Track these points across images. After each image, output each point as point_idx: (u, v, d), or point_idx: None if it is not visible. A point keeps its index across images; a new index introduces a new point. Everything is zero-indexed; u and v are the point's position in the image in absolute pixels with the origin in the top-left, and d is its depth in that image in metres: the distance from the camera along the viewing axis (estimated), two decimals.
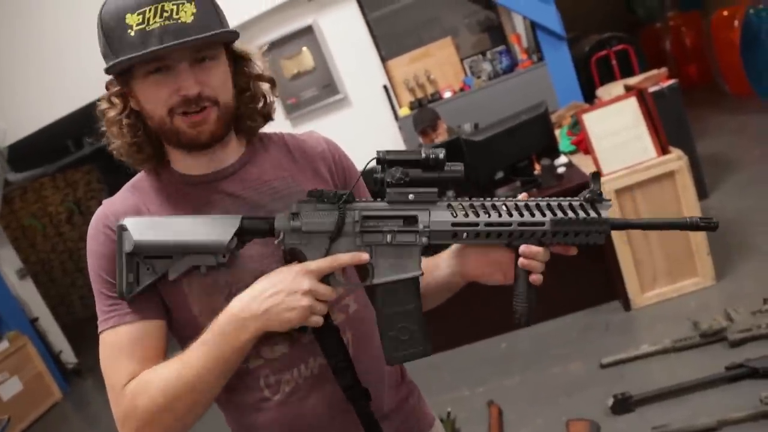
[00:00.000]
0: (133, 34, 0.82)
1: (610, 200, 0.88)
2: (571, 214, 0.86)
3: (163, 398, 0.83)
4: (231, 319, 0.83)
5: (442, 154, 0.85)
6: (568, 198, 0.88)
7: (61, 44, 4.91)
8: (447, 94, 4.63)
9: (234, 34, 0.89)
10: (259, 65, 0.97)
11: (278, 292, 0.82)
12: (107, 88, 0.92)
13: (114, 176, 8.03)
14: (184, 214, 0.92)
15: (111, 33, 0.85)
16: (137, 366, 0.87)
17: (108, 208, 0.94)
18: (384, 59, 4.76)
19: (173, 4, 0.82)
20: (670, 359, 2.52)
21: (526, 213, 0.86)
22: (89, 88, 4.93)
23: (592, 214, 0.87)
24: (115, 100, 0.92)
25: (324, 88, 4.71)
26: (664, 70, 3.90)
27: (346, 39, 4.64)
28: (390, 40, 4.82)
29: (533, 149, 3.14)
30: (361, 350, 0.97)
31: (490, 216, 0.86)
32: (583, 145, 3.41)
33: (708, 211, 3.11)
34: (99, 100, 0.95)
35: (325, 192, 0.86)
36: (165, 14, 0.82)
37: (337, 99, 4.74)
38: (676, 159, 2.82)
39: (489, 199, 0.88)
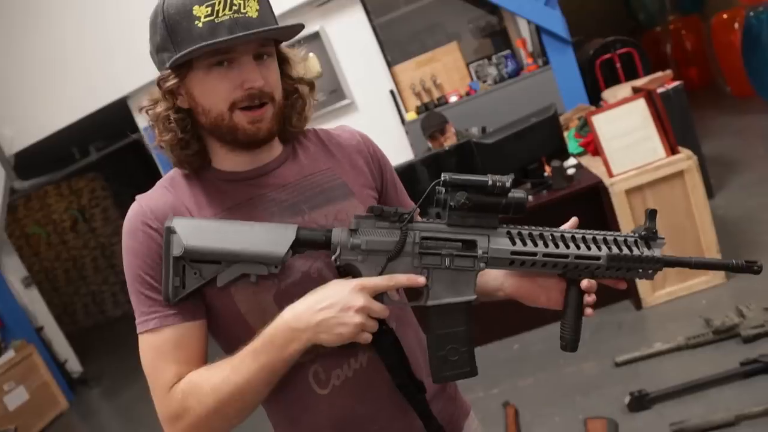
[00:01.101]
0: (201, 25, 0.83)
1: (663, 238, 0.91)
2: (626, 250, 0.90)
3: (213, 402, 0.84)
4: (282, 328, 0.83)
5: (509, 182, 0.85)
6: (624, 234, 0.91)
7: (67, 54, 4.95)
8: (453, 99, 4.67)
9: (300, 27, 0.90)
10: (301, 68, 0.98)
11: (332, 306, 0.81)
12: (159, 83, 0.90)
13: (118, 184, 8.07)
14: (223, 211, 0.91)
15: (176, 25, 0.84)
16: (183, 368, 0.88)
17: (146, 203, 0.92)
18: (390, 64, 4.79)
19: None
20: (684, 356, 2.54)
21: (583, 246, 0.89)
22: (94, 97, 5.03)
23: (646, 252, 0.90)
24: (168, 97, 0.90)
25: (331, 93, 4.74)
26: (669, 72, 3.94)
27: (353, 45, 4.68)
28: (396, 45, 4.86)
29: (543, 151, 3.17)
30: (402, 333, 0.97)
31: (548, 246, 0.88)
32: (591, 147, 3.45)
33: (716, 210, 3.14)
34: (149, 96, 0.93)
35: (386, 210, 0.85)
36: (234, 7, 0.83)
37: (344, 104, 4.78)
38: (686, 159, 2.86)
39: (547, 228, 0.90)
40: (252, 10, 0.85)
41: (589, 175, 3.14)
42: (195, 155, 0.94)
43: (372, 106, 4.78)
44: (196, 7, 0.83)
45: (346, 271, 0.87)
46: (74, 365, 5.89)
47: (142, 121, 5.18)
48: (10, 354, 4.93)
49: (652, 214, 0.91)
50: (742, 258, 0.93)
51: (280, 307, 0.86)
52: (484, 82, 4.70)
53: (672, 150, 2.89)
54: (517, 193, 0.86)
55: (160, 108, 0.90)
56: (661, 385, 2.36)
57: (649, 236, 0.90)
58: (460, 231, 0.87)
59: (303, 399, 0.94)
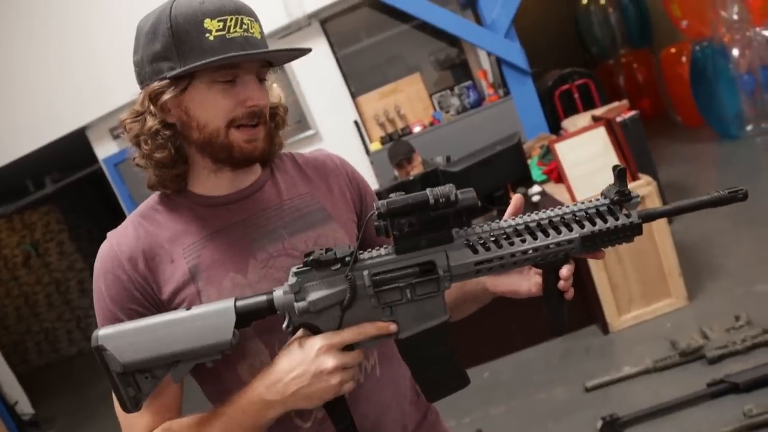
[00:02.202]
0: (212, 39, 0.82)
1: (638, 195, 0.81)
2: (600, 223, 0.81)
3: None
4: (256, 400, 0.81)
5: (453, 194, 0.76)
6: (593, 203, 0.82)
7: (25, 82, 4.83)
8: (417, 129, 4.73)
9: (308, 51, 0.89)
10: (277, 91, 0.98)
11: (303, 374, 0.78)
12: (151, 95, 0.85)
13: (75, 216, 7.83)
14: (201, 239, 0.89)
15: (185, 35, 0.82)
16: (156, 417, 0.86)
17: (116, 243, 0.89)
18: (354, 95, 4.84)
19: (248, 20, 0.85)
20: (653, 379, 2.57)
21: (552, 232, 0.80)
22: (54, 126, 4.90)
23: (621, 219, 0.81)
24: (159, 111, 0.86)
25: (296, 123, 4.74)
26: (625, 102, 4.09)
27: (317, 75, 4.71)
28: (359, 76, 4.91)
29: (508, 179, 3.22)
30: (384, 367, 0.96)
31: (514, 244, 0.80)
32: (554, 174, 3.52)
33: (675, 235, 3.23)
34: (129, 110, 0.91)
35: (323, 258, 0.77)
36: (243, 26, 0.84)
37: (309, 134, 4.79)
38: (646, 185, 2.94)
39: (510, 221, 0.81)
40: (256, 32, 0.86)
41: (554, 201, 3.20)
42: (178, 176, 0.91)
43: (336, 136, 4.80)
44: (207, 20, 0.82)
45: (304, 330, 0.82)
46: (25, 407, 5.60)
47: (101, 151, 5.08)
48: None
49: (621, 173, 0.79)
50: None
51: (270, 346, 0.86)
52: (447, 112, 4.78)
53: (633, 176, 2.98)
54: (466, 197, 0.76)
55: (150, 122, 0.87)
56: (632, 408, 2.37)
57: (622, 199, 0.80)
58: (413, 255, 0.79)
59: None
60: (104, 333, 0.79)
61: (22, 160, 4.99)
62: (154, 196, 0.96)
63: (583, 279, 3.00)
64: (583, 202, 0.82)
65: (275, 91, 0.97)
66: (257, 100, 0.86)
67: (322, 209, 0.96)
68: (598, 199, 0.83)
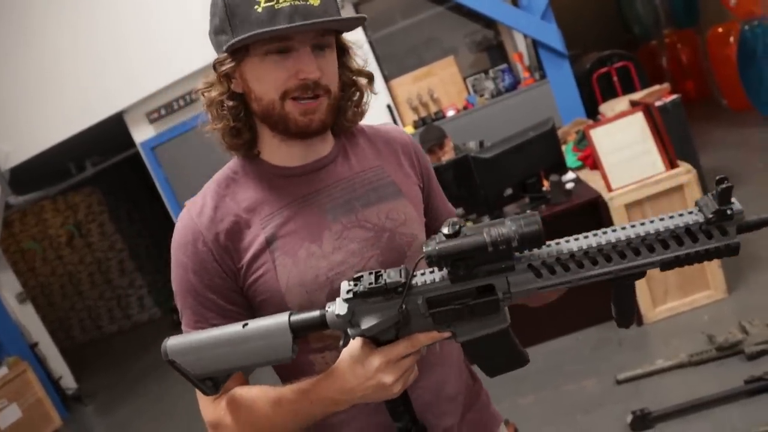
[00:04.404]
0: (260, 10, 0.81)
1: (741, 210, 0.70)
2: (687, 244, 0.71)
3: (248, 427, 0.88)
4: (324, 396, 0.83)
5: (515, 239, 0.69)
6: (686, 216, 0.71)
7: (62, 69, 4.95)
8: (450, 113, 4.66)
9: (363, 19, 0.88)
10: (359, 59, 0.97)
11: (366, 387, 0.80)
12: (214, 66, 0.89)
13: (115, 198, 8.04)
14: (279, 209, 0.91)
15: (236, 8, 0.82)
16: (229, 381, 0.89)
17: (197, 217, 0.90)
18: (387, 78, 4.79)
19: None
20: (687, 373, 2.50)
21: (630, 254, 0.72)
22: (90, 112, 5.02)
23: (716, 238, 0.70)
24: (224, 81, 0.89)
25: None
26: (666, 85, 3.93)
27: None
28: (392, 59, 4.86)
29: (541, 166, 3.15)
30: (444, 344, 0.95)
31: (583, 267, 0.72)
32: (589, 161, 3.43)
33: None
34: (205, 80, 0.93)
35: (372, 288, 0.76)
36: None
37: None
38: (685, 173, 2.84)
39: (584, 240, 0.73)
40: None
41: (588, 189, 3.12)
42: (245, 144, 0.93)
43: (369, 120, 4.69)
44: None
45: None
46: (69, 382, 5.83)
47: (138, 135, 5.18)
48: (3, 371, 4.87)
49: (725, 192, 0.67)
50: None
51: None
52: (482, 96, 4.70)
53: (671, 164, 2.87)
54: (529, 229, 0.69)
55: (214, 92, 0.90)
56: (664, 403, 2.32)
57: (720, 219, 0.69)
58: (471, 282, 0.75)
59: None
60: (172, 346, 0.82)
61: (64, 144, 5.14)
62: (231, 164, 0.97)
63: None
64: (673, 216, 0.72)
65: (354, 60, 0.96)
66: (308, 73, 0.84)
67: (393, 183, 0.98)
68: (691, 211, 0.72)
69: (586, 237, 0.74)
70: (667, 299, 2.95)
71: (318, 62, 0.85)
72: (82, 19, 4.84)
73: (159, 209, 5.84)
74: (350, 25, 0.88)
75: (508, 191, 3.11)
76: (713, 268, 2.88)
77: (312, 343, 0.93)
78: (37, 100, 5.06)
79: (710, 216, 0.69)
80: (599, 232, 0.74)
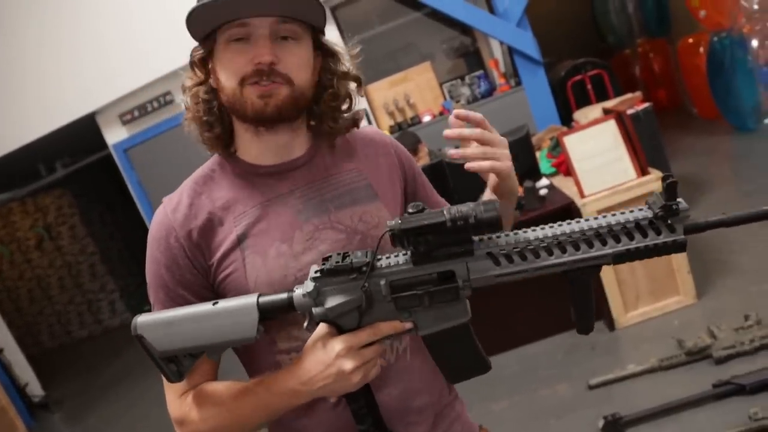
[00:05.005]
0: None
1: (687, 208, 0.74)
2: (638, 238, 0.74)
3: (213, 424, 0.89)
4: (285, 388, 0.84)
5: (472, 216, 0.73)
6: (634, 216, 0.75)
7: (35, 67, 4.84)
8: (426, 118, 4.68)
9: (317, 8, 0.87)
10: (348, 64, 0.97)
11: (326, 374, 0.81)
12: (192, 55, 0.92)
13: (87, 200, 7.88)
14: (252, 207, 0.92)
15: None
16: (196, 377, 0.91)
17: (171, 213, 0.92)
18: (363, 83, 4.78)
19: None
20: (657, 378, 2.54)
21: (583, 246, 0.75)
22: (62, 111, 4.92)
23: (664, 233, 0.74)
24: (198, 71, 0.92)
25: None
26: (638, 93, 4.01)
27: None
28: (369, 64, 4.85)
29: (516, 171, 3.16)
30: (416, 353, 0.97)
31: (539, 257, 0.76)
32: (563, 167, 3.47)
33: None
34: (183, 69, 0.96)
35: (338, 267, 0.78)
36: None
37: None
38: (656, 180, 2.88)
39: (539, 231, 0.76)
40: None
41: (562, 195, 3.15)
42: (218, 139, 0.94)
43: None
44: None
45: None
46: (35, 389, 5.67)
47: (110, 136, 5.09)
48: None
49: (670, 186, 0.72)
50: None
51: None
52: (458, 101, 4.72)
53: (643, 171, 2.92)
54: (487, 216, 0.73)
55: (189, 81, 0.94)
56: (635, 407, 2.34)
57: (667, 214, 0.72)
58: (432, 266, 0.78)
59: (307, 407, 0.93)
60: (141, 322, 0.83)
61: (34, 144, 5.02)
62: (210, 161, 0.99)
63: None
64: (624, 212, 0.76)
65: (341, 64, 0.96)
66: (260, 56, 0.84)
67: (369, 186, 0.98)
68: (641, 209, 0.76)
69: (542, 228, 0.77)
70: (638, 304, 2.99)
71: (277, 50, 0.86)
72: (59, 16, 4.74)
73: (132, 212, 5.74)
74: (300, 9, 0.86)
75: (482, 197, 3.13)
76: (683, 274, 2.93)
77: (279, 344, 0.93)
78: (7, 99, 4.93)
79: (657, 211, 0.73)
80: (555, 224, 0.77)
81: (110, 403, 5.06)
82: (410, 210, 0.76)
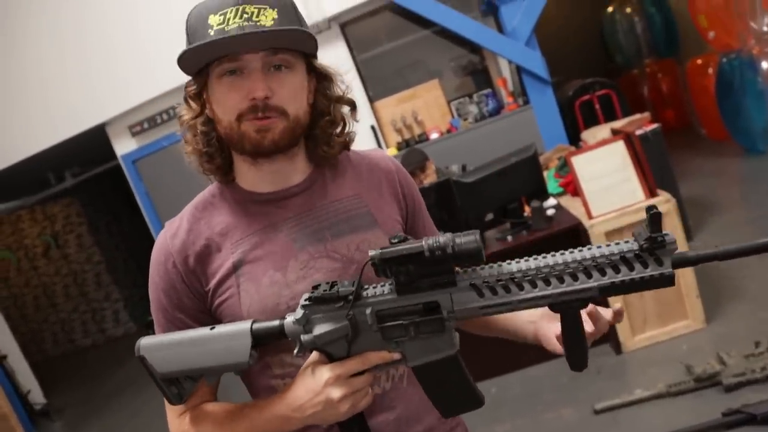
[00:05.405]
0: (212, 33, 0.83)
1: (674, 240, 0.72)
2: (624, 271, 0.73)
3: None
4: (277, 414, 0.85)
5: (450, 246, 0.73)
6: (620, 248, 0.73)
7: (46, 78, 4.90)
8: (434, 136, 4.68)
9: (305, 38, 0.87)
10: (341, 87, 0.96)
11: (316, 402, 0.81)
12: (186, 90, 0.92)
13: (94, 210, 7.92)
14: (248, 235, 0.92)
15: (194, 33, 0.85)
16: (195, 398, 0.92)
17: (170, 239, 0.93)
18: (372, 100, 4.80)
19: (255, 8, 0.83)
20: (665, 404, 2.50)
21: (568, 279, 0.74)
22: (72, 122, 4.96)
23: (651, 266, 0.72)
24: (193, 104, 0.92)
25: None
26: (647, 114, 4.00)
27: None
28: (377, 81, 4.88)
29: (523, 191, 3.16)
30: (412, 380, 0.94)
31: (523, 289, 0.75)
32: (570, 187, 3.45)
33: None
34: (178, 104, 0.97)
35: (325, 296, 0.80)
36: (245, 16, 0.83)
37: None
38: (665, 201, 2.86)
39: (522, 264, 0.76)
40: (267, 20, 0.83)
41: (569, 216, 3.13)
42: (219, 169, 0.95)
43: (354, 141, 4.76)
44: (211, 16, 0.84)
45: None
46: (37, 396, 5.68)
47: (119, 147, 5.12)
48: None
49: (654, 218, 0.69)
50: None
51: None
52: (465, 119, 4.73)
53: (651, 192, 2.90)
54: (466, 246, 0.73)
55: (186, 115, 0.93)
56: None
57: (653, 246, 0.71)
58: (416, 296, 0.78)
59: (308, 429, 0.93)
60: (144, 344, 0.85)
61: (44, 153, 5.06)
62: (211, 187, 0.99)
63: None
64: (609, 244, 0.74)
65: (334, 87, 0.95)
66: (254, 92, 0.84)
67: (369, 213, 0.97)
68: (627, 241, 0.74)
69: (527, 260, 0.76)
70: (645, 328, 2.95)
71: (271, 81, 0.86)
72: (69, 27, 4.79)
73: (139, 223, 5.76)
74: (286, 40, 0.85)
75: (489, 216, 3.12)
76: (692, 298, 2.89)
77: (274, 369, 0.93)
78: (19, 108, 4.98)
79: (643, 243, 0.72)
80: (539, 256, 0.76)
81: (113, 413, 5.04)
82: (392, 240, 0.77)
